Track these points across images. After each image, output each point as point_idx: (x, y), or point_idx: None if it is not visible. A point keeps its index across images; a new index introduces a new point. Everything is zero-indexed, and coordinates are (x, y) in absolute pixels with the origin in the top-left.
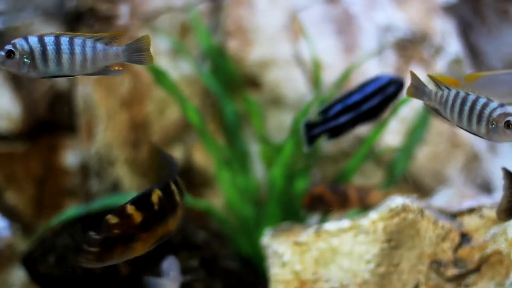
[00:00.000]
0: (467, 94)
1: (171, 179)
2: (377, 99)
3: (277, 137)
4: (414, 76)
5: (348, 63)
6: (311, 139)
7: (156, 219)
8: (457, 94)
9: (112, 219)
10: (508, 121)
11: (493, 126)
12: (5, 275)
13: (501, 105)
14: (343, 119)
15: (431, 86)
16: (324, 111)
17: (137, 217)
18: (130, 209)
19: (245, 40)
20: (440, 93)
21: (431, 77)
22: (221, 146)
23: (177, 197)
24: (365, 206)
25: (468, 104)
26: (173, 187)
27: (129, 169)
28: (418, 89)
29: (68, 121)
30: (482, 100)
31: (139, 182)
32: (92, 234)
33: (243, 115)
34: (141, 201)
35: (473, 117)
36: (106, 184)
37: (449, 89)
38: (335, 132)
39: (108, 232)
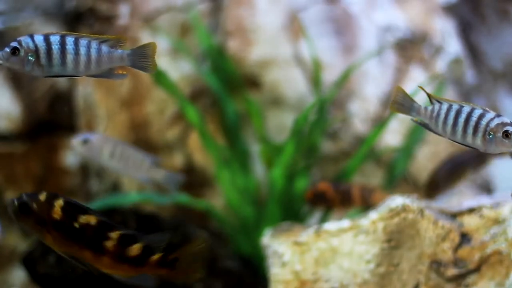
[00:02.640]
0: (461, 106)
1: (124, 228)
2: None
3: (277, 137)
4: (400, 92)
5: (348, 63)
6: None
7: (70, 233)
8: (450, 107)
9: (42, 196)
10: (506, 131)
11: (490, 136)
12: (5, 275)
13: (498, 115)
14: None
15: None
16: None
17: (55, 212)
18: (56, 203)
19: (245, 40)
20: (430, 107)
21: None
22: (221, 146)
23: (115, 247)
24: (368, 206)
25: (463, 116)
26: (115, 235)
27: None
28: (404, 105)
29: (68, 121)
30: (478, 111)
31: (139, 182)
32: (24, 193)
33: (243, 115)
34: (70, 207)
35: (468, 128)
36: (106, 184)
37: (440, 102)
38: None
39: (29, 200)
